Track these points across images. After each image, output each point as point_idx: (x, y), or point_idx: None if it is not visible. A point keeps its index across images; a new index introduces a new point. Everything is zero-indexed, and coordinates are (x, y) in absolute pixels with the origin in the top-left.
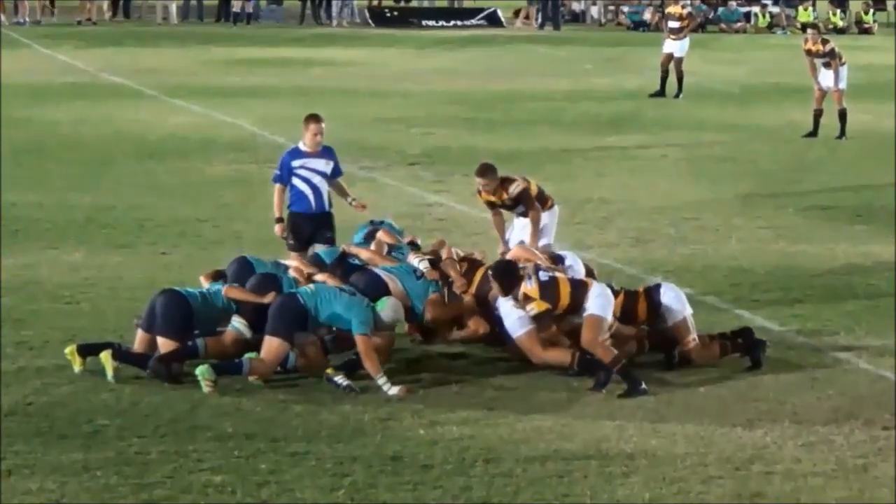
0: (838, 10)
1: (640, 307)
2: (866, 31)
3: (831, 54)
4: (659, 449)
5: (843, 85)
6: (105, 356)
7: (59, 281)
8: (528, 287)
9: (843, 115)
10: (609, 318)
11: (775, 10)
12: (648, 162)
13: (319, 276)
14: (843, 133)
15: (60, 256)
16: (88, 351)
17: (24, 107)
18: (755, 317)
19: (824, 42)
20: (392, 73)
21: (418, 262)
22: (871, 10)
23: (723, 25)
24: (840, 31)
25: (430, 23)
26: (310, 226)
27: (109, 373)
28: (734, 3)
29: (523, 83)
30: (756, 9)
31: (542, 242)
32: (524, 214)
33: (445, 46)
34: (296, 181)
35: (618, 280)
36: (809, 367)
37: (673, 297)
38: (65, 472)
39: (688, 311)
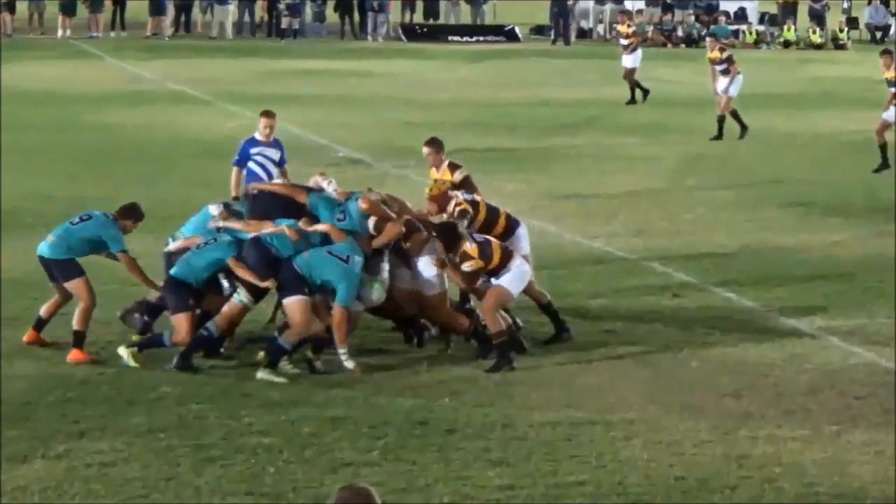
0: (818, 29)
1: (499, 224)
2: (841, 48)
3: (729, 60)
4: (656, 416)
5: (733, 92)
6: (124, 350)
7: None
8: (469, 247)
9: (722, 120)
10: (516, 294)
11: (761, 28)
12: (647, 162)
13: (322, 227)
14: (719, 136)
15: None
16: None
17: (96, 112)
18: (741, 298)
19: (722, 50)
20: (421, 83)
21: (328, 185)
22: (846, 29)
23: None
24: (818, 47)
25: (456, 38)
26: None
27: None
28: (724, 21)
29: (536, 92)
30: (744, 27)
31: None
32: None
33: (468, 59)
34: (252, 165)
35: (621, 266)
36: (789, 344)
37: (525, 234)
38: (131, 433)
39: (528, 249)
